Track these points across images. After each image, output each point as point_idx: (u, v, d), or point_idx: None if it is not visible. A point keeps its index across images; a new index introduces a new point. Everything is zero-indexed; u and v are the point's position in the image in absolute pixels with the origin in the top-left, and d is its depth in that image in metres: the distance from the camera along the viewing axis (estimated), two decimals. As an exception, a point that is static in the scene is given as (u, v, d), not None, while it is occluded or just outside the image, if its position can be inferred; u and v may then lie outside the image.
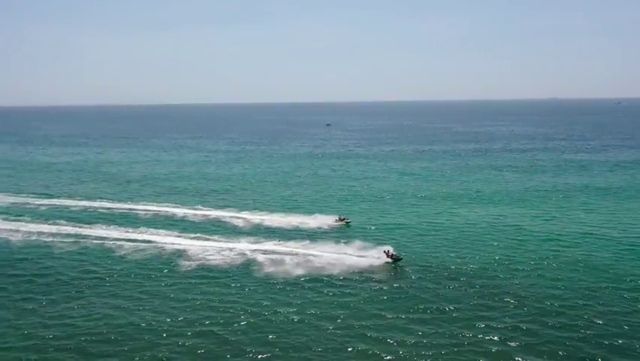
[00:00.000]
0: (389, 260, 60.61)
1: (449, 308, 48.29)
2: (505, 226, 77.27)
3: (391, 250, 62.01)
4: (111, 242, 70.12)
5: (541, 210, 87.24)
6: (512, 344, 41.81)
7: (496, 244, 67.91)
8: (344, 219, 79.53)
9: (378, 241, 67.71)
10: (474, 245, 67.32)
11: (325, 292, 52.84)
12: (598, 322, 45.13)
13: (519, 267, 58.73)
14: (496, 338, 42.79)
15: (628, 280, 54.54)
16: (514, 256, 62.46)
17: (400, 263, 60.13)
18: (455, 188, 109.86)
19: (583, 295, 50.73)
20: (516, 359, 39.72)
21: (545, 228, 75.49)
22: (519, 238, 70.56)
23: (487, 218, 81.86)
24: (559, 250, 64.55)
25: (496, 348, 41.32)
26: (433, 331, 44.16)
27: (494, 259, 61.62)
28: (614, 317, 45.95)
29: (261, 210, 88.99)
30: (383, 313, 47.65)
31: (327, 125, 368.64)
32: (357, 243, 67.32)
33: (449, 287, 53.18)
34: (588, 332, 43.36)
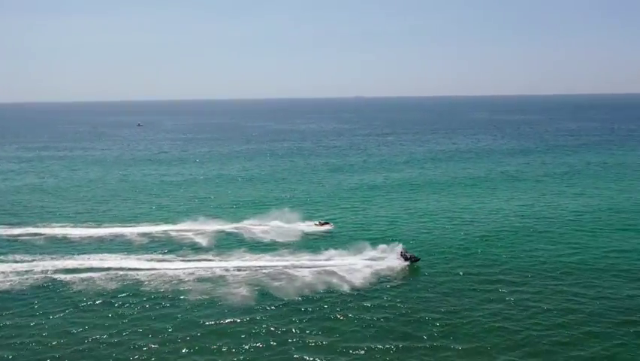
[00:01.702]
0: (406, 262, 59.82)
1: (271, 308, 49.07)
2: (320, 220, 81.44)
3: (401, 250, 61.49)
4: None
5: (350, 204, 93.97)
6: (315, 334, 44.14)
7: (316, 242, 70.98)
8: (325, 223, 77.12)
9: (186, 246, 66.90)
10: (292, 244, 69.42)
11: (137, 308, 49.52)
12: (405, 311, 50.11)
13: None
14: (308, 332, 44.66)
15: (431, 269, 61.63)
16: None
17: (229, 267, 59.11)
18: (272, 189, 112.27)
19: (384, 289, 55.87)
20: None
21: (357, 220, 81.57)
22: (334, 233, 74.92)
23: (305, 214, 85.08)
24: (371, 243, 69.96)
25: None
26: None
27: (312, 254, 64.41)
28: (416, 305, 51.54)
29: (63, 222, 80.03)
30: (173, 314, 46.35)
31: (139, 125, 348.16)
32: (182, 250, 65.44)
33: (256, 286, 54.07)
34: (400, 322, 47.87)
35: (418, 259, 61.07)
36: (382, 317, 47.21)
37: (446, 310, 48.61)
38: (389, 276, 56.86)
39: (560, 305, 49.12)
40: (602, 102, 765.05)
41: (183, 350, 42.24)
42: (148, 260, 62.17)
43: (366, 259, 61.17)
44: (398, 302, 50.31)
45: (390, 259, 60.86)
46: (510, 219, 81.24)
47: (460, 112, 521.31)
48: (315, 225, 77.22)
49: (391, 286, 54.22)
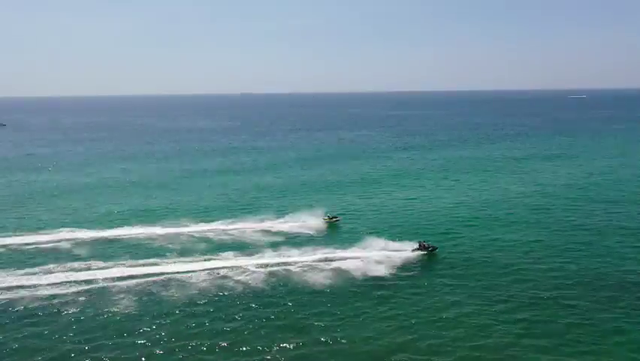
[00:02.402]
0: (424, 251, 61.05)
1: (160, 318, 46.22)
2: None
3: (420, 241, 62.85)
4: None
5: (242, 206, 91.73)
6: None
7: (207, 245, 68.42)
8: (333, 217, 76.48)
9: (62, 257, 61.14)
10: (181, 249, 66.34)
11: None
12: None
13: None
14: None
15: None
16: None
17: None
18: (156, 194, 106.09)
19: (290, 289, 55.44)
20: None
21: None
22: (228, 233, 72.74)
23: (194, 218, 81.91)
24: (264, 243, 69.10)
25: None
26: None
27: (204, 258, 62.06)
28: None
29: None
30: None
31: (1, 125, 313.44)
32: (57, 263, 59.35)
33: (144, 296, 51.01)
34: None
35: (436, 248, 62.14)
36: (274, 315, 46.57)
37: (345, 312, 49.00)
38: (281, 275, 56.16)
39: (463, 310, 47.89)
40: (511, 97, 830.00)
41: None
42: (15, 277, 55.45)
43: (258, 260, 60.24)
44: (289, 301, 49.89)
45: (282, 259, 60.50)
46: (394, 214, 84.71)
47: (349, 109, 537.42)
48: (325, 219, 76.18)
49: (283, 285, 53.65)
